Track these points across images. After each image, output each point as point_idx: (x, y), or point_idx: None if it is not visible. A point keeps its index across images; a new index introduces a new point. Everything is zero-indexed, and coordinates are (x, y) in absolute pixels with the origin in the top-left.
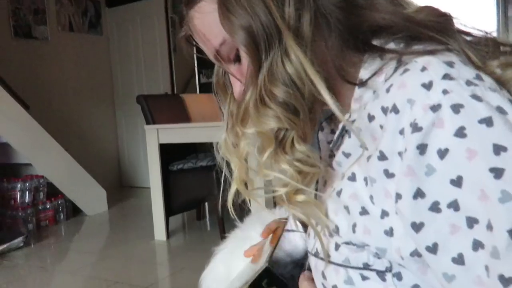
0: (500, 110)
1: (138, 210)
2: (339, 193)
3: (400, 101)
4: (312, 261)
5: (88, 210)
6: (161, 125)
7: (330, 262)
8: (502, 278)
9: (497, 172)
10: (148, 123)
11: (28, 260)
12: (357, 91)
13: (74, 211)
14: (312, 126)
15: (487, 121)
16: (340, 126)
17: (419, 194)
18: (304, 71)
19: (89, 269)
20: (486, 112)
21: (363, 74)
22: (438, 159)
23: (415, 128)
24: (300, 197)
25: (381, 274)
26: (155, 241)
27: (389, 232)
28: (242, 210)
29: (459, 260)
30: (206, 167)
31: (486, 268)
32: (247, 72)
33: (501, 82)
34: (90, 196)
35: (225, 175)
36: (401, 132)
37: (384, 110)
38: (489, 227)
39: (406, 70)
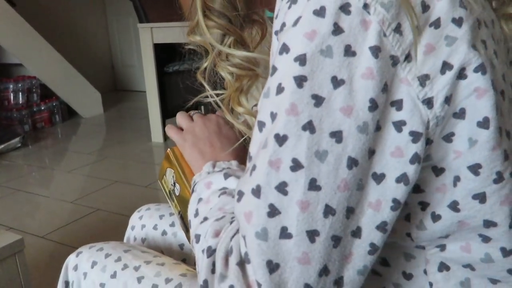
0: (344, 7)
1: (134, 113)
2: None
3: None
4: None
5: (84, 112)
6: (156, 23)
7: None
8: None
9: (302, 80)
10: (141, 21)
11: (26, 160)
12: None
13: (69, 113)
14: (260, 29)
15: (319, 12)
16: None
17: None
18: None
19: (88, 169)
20: (324, 1)
21: None
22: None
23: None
24: (240, 109)
25: None
26: (152, 143)
27: None
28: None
29: (280, 139)
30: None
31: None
32: None
33: None
34: (84, 98)
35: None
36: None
37: None
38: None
39: None
